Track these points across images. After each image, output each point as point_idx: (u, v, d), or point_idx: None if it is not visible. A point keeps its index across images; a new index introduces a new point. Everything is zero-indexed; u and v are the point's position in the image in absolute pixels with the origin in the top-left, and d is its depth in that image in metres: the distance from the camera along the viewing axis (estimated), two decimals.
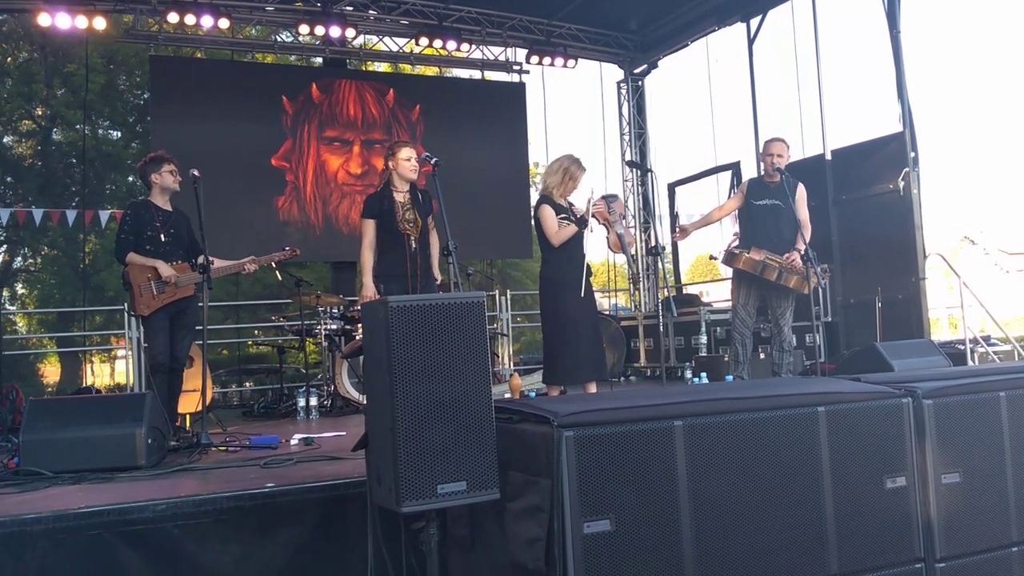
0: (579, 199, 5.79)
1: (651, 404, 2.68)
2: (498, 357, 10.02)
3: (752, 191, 6.56)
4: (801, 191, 6.51)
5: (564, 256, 5.64)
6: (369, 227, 5.66)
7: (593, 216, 5.58)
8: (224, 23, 9.79)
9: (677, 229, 6.82)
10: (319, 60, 12.08)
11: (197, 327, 5.69)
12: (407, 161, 5.62)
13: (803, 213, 6.44)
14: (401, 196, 5.66)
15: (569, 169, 5.73)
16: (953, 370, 4.43)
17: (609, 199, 5.72)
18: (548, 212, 5.70)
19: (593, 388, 5.76)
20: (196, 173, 5.14)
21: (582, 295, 5.56)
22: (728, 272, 7.25)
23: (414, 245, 5.59)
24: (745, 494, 2.69)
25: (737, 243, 6.52)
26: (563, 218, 5.65)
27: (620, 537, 2.50)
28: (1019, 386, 3.21)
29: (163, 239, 5.60)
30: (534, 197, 15.67)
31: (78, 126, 16.81)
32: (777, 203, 6.32)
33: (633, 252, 5.78)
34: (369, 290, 5.56)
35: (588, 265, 5.72)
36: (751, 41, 10.91)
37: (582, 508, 2.46)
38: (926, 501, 2.97)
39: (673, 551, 2.57)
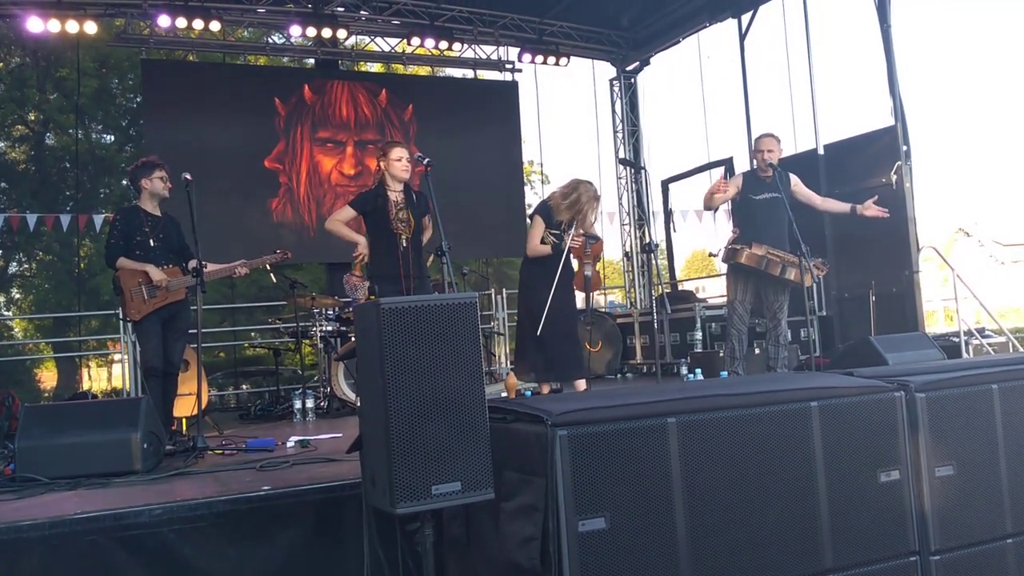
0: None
1: (644, 402, 2.69)
2: (494, 356, 10.02)
3: (749, 186, 6.57)
4: (794, 179, 6.59)
5: (538, 262, 5.79)
6: (347, 211, 5.73)
7: (569, 248, 5.74)
8: (215, 25, 9.78)
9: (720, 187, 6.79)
10: (311, 61, 12.07)
11: (191, 330, 5.69)
12: (398, 161, 5.63)
13: (809, 192, 6.62)
14: (395, 195, 5.67)
15: (579, 202, 5.88)
16: (946, 363, 4.45)
17: (589, 239, 5.85)
18: (537, 226, 5.94)
19: (582, 385, 5.83)
20: (188, 177, 5.14)
21: (554, 297, 5.68)
22: (723, 267, 7.27)
23: (404, 244, 5.60)
24: (739, 490, 2.70)
25: (736, 239, 6.54)
26: (552, 232, 5.79)
27: (615, 535, 2.50)
28: (1012, 378, 3.22)
29: (152, 244, 5.60)
30: (528, 195, 15.68)
31: (71, 130, 16.79)
32: (776, 196, 6.34)
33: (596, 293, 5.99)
34: (363, 247, 5.65)
35: (569, 268, 5.82)
36: (742, 37, 10.92)
37: (577, 506, 2.46)
38: (920, 494, 2.98)
39: (668, 547, 2.58)
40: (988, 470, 3.11)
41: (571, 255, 5.85)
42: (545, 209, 5.97)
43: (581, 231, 5.88)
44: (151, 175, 5.65)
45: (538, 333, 5.67)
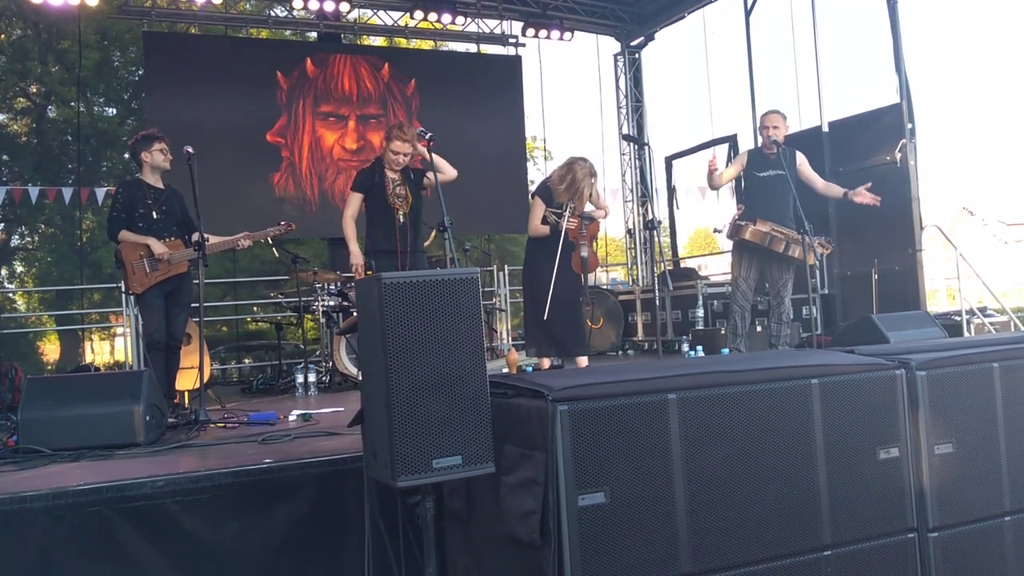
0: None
1: (645, 378, 2.69)
2: (496, 332, 10.04)
3: (753, 163, 6.57)
4: (801, 157, 6.57)
5: (540, 241, 5.79)
6: (355, 200, 5.75)
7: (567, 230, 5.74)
8: None
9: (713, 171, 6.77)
10: (313, 35, 12.00)
11: (193, 304, 5.69)
12: (395, 155, 5.66)
13: (812, 174, 6.59)
14: (392, 173, 5.70)
15: (575, 182, 5.89)
16: (947, 341, 4.45)
17: (585, 219, 5.84)
18: (537, 206, 5.94)
19: (584, 362, 5.86)
20: (190, 150, 5.13)
21: (556, 276, 5.68)
22: (726, 245, 7.27)
23: (402, 219, 5.64)
24: (739, 466, 2.71)
25: (741, 216, 6.54)
26: (553, 212, 5.80)
27: (614, 509, 2.52)
28: (1012, 357, 3.22)
29: (155, 216, 5.59)
30: (531, 171, 15.63)
31: (73, 103, 16.71)
32: (781, 173, 6.33)
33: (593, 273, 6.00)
34: (356, 257, 5.66)
35: (569, 246, 5.81)
36: (748, 12, 10.85)
37: (576, 481, 2.47)
38: (919, 471, 2.99)
39: (667, 523, 2.59)
40: (987, 448, 3.12)
41: (568, 236, 5.85)
42: (545, 189, 6.00)
43: (578, 213, 5.89)
44: (151, 148, 5.63)
45: (545, 314, 5.70)
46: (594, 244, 6.00)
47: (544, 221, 5.88)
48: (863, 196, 6.46)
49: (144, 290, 5.48)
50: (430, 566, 2.78)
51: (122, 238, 5.51)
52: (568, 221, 5.78)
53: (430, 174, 5.51)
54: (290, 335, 11.23)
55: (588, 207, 6.01)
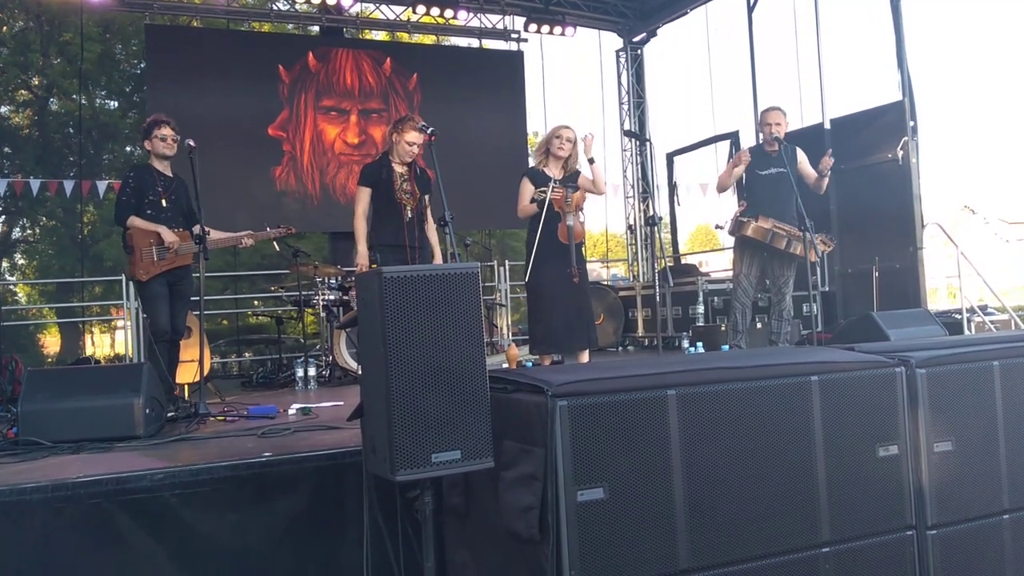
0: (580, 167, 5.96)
1: (644, 373, 2.69)
2: (496, 327, 10.03)
3: (755, 160, 6.56)
4: (801, 155, 6.56)
5: (536, 228, 5.72)
6: (364, 195, 5.69)
7: (551, 201, 5.68)
8: None
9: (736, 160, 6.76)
10: (316, 29, 11.99)
11: (194, 297, 5.69)
12: (409, 145, 5.59)
13: (809, 169, 6.57)
14: (400, 168, 5.67)
15: (548, 141, 5.88)
16: (947, 339, 4.45)
17: (570, 188, 5.74)
18: (524, 186, 5.86)
19: (585, 357, 5.81)
20: (192, 143, 5.12)
21: (549, 266, 5.63)
22: (727, 242, 7.25)
23: (410, 215, 5.60)
24: (738, 462, 2.71)
25: (743, 212, 6.53)
26: (541, 190, 5.73)
27: (613, 505, 2.52)
28: (1012, 355, 3.22)
29: (164, 204, 5.56)
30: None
31: (75, 96, 16.69)
32: (782, 171, 6.32)
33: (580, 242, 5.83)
34: (363, 258, 5.61)
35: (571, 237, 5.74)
36: (751, 9, 10.83)
37: (576, 476, 2.47)
38: (918, 469, 2.99)
39: (666, 519, 2.59)
40: (987, 446, 3.12)
41: (554, 208, 5.76)
42: (529, 169, 6.00)
43: (561, 176, 5.82)
44: (152, 136, 5.60)
45: (526, 276, 5.70)
46: (581, 214, 5.89)
47: (531, 203, 5.83)
48: (824, 162, 6.41)
49: (149, 278, 5.46)
50: (428, 560, 2.78)
51: (131, 224, 5.48)
52: (553, 192, 5.71)
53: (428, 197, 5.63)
54: (290, 329, 11.21)
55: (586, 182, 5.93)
